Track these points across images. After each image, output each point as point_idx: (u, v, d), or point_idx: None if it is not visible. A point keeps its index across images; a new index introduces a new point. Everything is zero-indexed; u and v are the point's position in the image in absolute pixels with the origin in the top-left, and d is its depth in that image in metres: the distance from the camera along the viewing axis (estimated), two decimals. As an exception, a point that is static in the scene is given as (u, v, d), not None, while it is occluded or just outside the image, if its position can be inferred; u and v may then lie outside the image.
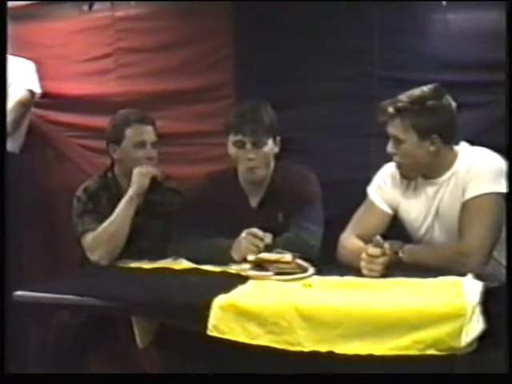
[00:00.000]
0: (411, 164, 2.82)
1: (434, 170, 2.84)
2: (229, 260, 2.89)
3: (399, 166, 2.86)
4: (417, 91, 2.79)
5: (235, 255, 2.90)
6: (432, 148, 2.78)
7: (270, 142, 3.07)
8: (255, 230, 2.89)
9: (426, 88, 2.79)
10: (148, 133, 3.26)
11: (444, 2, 3.40)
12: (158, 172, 3.25)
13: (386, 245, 2.64)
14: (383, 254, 2.61)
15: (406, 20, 3.51)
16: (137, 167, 3.20)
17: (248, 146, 3.03)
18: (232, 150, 3.09)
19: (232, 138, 3.07)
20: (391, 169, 2.97)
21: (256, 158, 3.04)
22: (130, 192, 3.16)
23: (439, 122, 2.77)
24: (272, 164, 3.15)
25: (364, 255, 2.62)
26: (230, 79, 3.79)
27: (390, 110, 2.77)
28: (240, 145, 3.05)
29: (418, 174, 2.87)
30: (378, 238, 2.66)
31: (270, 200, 3.14)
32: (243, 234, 2.91)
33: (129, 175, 3.24)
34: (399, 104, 2.76)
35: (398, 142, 2.79)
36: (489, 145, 2.81)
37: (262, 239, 2.86)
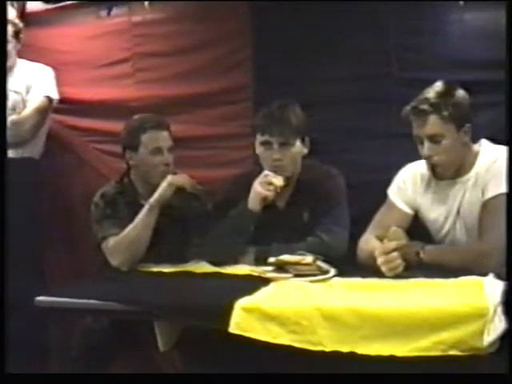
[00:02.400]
0: (450, 160, 2.79)
1: (458, 168, 2.83)
2: (253, 262, 2.90)
3: (436, 167, 2.82)
4: (436, 87, 2.77)
5: (253, 202, 2.96)
6: (466, 138, 2.78)
7: (298, 143, 3.07)
8: (266, 172, 2.98)
9: (439, 83, 2.78)
10: (164, 139, 3.23)
11: (461, 2, 3.40)
12: (186, 181, 3.21)
13: (403, 235, 2.65)
14: (399, 247, 2.61)
15: (423, 20, 3.50)
16: (169, 176, 3.17)
17: (275, 146, 3.02)
18: (259, 149, 3.09)
19: (259, 137, 3.07)
20: (411, 169, 2.97)
21: (282, 159, 3.03)
22: (151, 200, 3.13)
23: (466, 111, 2.77)
24: (299, 164, 3.13)
25: (379, 253, 2.62)
26: (249, 82, 3.79)
27: (426, 107, 2.73)
28: (267, 145, 3.05)
29: (453, 172, 2.83)
30: (395, 228, 2.66)
31: (296, 201, 3.12)
32: (256, 183, 2.97)
33: (146, 180, 3.25)
34: (432, 100, 2.73)
35: (438, 139, 2.75)
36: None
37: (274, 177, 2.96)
